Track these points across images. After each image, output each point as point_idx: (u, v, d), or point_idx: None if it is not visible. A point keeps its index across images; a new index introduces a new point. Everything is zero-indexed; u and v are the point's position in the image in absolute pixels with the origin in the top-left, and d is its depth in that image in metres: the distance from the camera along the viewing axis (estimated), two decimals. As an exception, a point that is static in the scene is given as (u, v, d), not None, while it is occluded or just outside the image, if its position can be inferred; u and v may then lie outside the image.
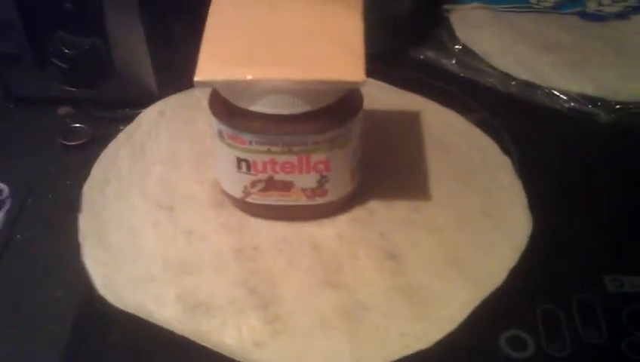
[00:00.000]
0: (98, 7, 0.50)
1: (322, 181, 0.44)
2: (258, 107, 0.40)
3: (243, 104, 0.40)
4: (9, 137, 0.55)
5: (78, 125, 0.54)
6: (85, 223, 0.46)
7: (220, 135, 0.43)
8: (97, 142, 0.53)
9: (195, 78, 0.39)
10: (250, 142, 0.42)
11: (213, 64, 0.39)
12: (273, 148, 0.42)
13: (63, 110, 0.56)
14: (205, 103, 0.43)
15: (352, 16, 0.42)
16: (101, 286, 0.43)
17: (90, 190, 0.49)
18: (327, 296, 0.42)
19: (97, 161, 0.51)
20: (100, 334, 0.41)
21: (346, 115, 0.42)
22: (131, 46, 0.52)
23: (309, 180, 0.44)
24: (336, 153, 0.43)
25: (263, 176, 0.43)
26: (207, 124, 0.53)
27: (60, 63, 0.53)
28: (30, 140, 0.54)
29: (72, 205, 0.48)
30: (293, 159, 0.42)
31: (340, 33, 0.41)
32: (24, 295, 0.43)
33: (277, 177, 0.43)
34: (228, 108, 0.41)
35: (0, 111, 0.57)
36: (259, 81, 0.39)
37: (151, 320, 0.41)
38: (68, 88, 0.55)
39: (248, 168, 0.43)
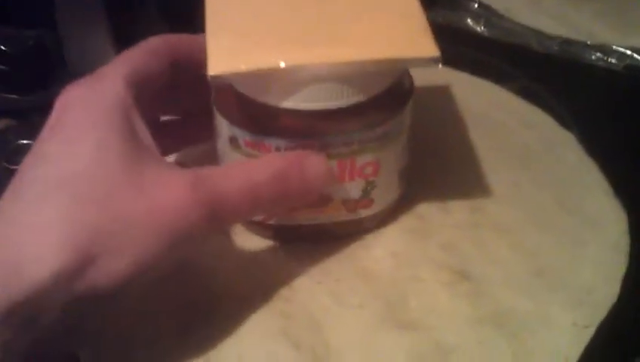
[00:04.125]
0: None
1: (368, 189, 0.34)
2: (293, 102, 0.29)
3: (271, 100, 0.30)
4: None
5: (25, 142, 0.42)
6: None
7: (233, 142, 0.32)
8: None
9: (210, 73, 0.27)
10: (278, 149, 0.31)
11: (229, 51, 0.28)
12: (307, 154, 0.32)
13: (1, 123, 0.44)
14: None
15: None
16: None
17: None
18: (397, 340, 0.32)
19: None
20: None
21: (398, 101, 0.32)
22: (90, 37, 0.40)
23: (352, 190, 0.34)
24: (387, 152, 0.33)
25: (292, 191, 0.33)
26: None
27: (-3, 65, 0.41)
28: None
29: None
30: (333, 165, 0.32)
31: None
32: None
33: (310, 190, 0.33)
34: (245, 107, 0.31)
35: None
36: (299, 68, 0.28)
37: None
38: (8, 96, 0.43)
39: (273, 182, 0.33)
